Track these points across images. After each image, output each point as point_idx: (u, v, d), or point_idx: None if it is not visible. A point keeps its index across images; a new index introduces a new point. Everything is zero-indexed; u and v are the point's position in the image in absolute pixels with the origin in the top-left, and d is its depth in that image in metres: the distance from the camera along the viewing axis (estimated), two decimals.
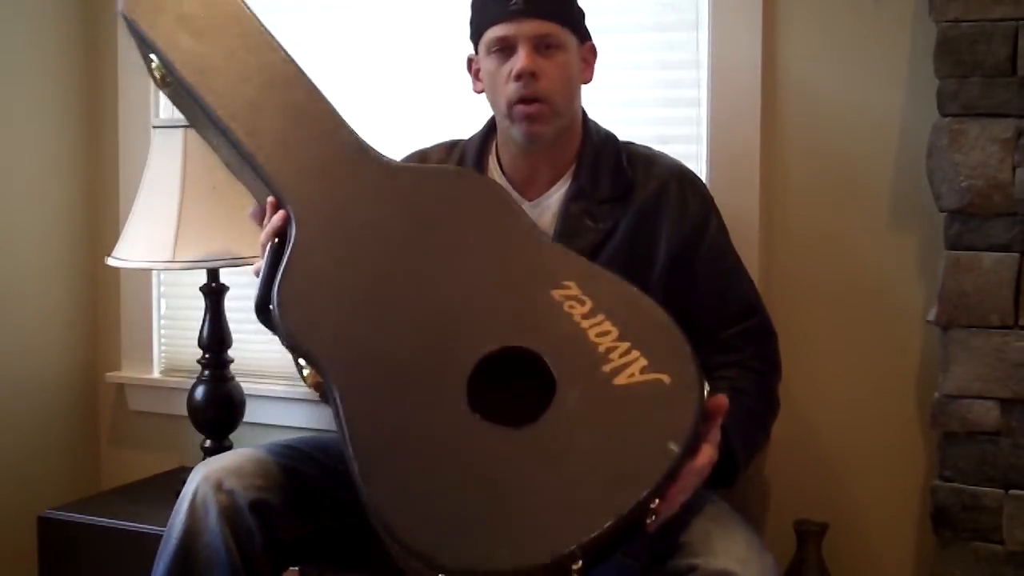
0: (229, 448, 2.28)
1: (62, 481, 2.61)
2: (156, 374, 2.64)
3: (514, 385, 1.50)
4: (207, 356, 2.30)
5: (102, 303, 2.68)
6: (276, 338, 1.59)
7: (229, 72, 1.72)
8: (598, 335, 1.51)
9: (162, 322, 2.64)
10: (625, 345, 1.49)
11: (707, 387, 1.47)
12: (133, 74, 2.57)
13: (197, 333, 2.32)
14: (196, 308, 2.38)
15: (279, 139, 1.68)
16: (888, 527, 2.08)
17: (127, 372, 2.66)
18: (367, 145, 1.70)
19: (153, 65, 1.74)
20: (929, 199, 1.88)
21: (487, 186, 1.72)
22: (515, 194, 1.84)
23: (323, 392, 1.52)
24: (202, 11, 1.75)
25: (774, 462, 2.14)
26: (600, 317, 1.52)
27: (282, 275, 1.56)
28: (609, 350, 1.49)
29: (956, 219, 1.85)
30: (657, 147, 1.93)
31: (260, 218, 1.67)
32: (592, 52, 1.87)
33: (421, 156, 1.95)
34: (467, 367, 1.49)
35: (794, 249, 2.10)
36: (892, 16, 2.00)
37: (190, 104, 1.74)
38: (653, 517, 1.43)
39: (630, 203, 1.80)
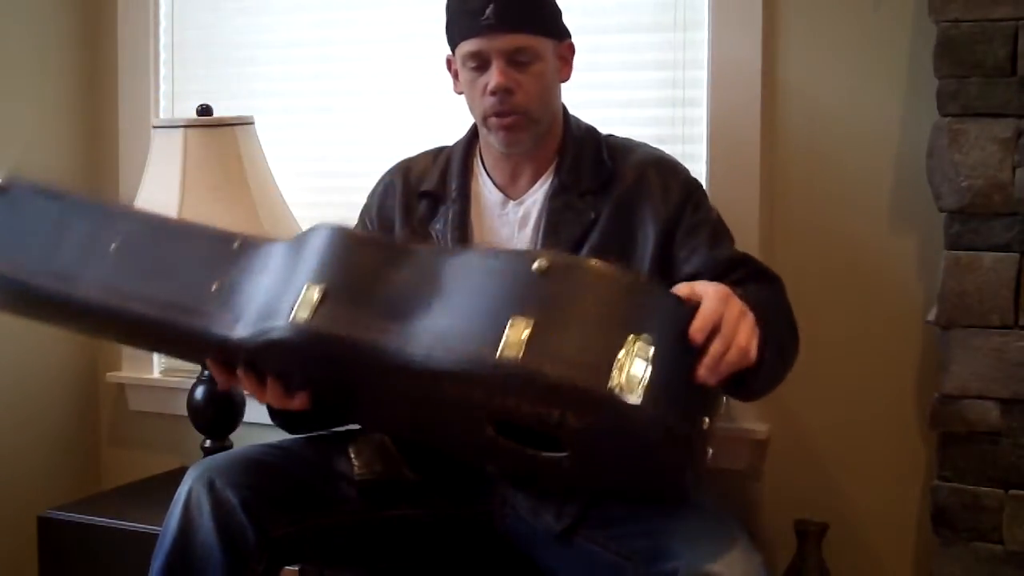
0: (229, 448, 2.28)
1: (62, 481, 2.60)
2: (156, 374, 2.64)
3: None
4: None
5: None
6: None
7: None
8: None
9: None
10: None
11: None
12: (133, 74, 2.57)
13: None
14: None
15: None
16: (888, 527, 2.08)
17: (127, 372, 2.65)
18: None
19: None
20: (929, 199, 1.88)
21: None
22: (500, 195, 1.85)
23: None
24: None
25: (774, 462, 2.14)
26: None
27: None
28: None
29: (956, 219, 1.85)
30: (657, 147, 1.92)
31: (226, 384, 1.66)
32: (570, 50, 1.85)
33: (406, 166, 1.94)
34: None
35: (794, 249, 2.10)
36: (892, 16, 2.00)
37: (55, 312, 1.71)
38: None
39: (610, 193, 1.80)
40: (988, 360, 1.83)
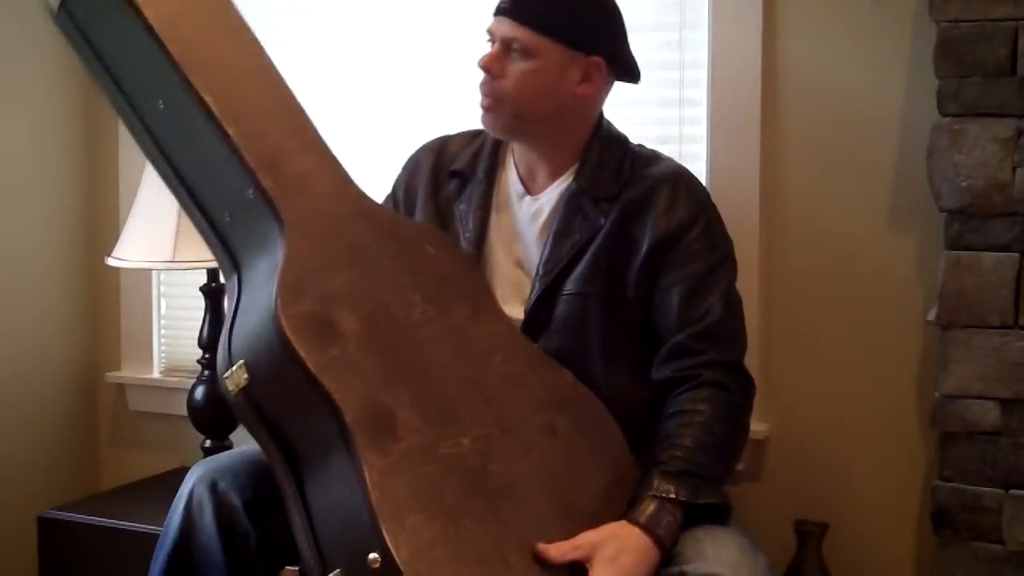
0: (229, 448, 2.28)
1: (62, 481, 2.60)
2: (156, 374, 2.64)
3: None
4: (207, 356, 2.30)
5: (102, 303, 2.68)
6: None
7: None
8: None
9: (162, 322, 2.64)
10: None
11: None
12: None
13: (197, 333, 2.33)
14: (196, 308, 2.38)
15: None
16: (888, 527, 2.08)
17: (127, 372, 2.65)
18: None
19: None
20: (929, 199, 1.88)
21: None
22: (521, 187, 1.86)
23: None
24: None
25: (774, 462, 2.14)
26: None
27: None
28: None
29: (956, 219, 1.85)
30: (657, 147, 1.92)
31: None
32: (596, 67, 1.80)
33: (442, 143, 1.95)
34: None
35: (794, 249, 2.10)
36: (892, 16, 2.00)
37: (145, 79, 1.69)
38: None
39: (621, 200, 1.79)
40: (988, 360, 1.83)
